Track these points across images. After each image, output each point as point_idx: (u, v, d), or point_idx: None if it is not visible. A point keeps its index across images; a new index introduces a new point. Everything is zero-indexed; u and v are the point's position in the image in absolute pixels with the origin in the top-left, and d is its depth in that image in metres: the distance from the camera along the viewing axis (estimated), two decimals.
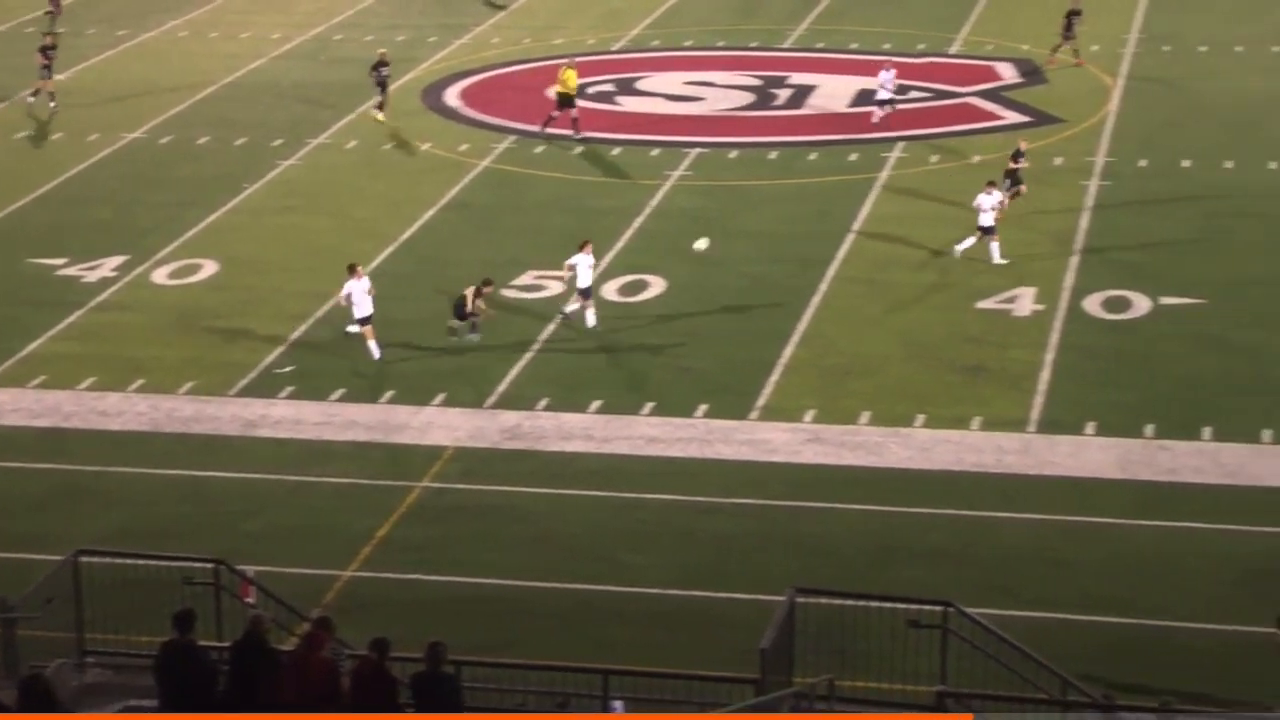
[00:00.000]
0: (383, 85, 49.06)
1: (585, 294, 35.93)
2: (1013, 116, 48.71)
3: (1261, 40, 54.14)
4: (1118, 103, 49.41)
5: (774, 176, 45.27)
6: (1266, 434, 31.32)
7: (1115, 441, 31.39)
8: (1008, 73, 52.58)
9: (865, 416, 32.45)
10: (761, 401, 33.26)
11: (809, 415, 32.65)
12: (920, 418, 32.41)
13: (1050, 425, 32.03)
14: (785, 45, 56.69)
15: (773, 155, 46.85)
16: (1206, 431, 31.51)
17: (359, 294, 34.84)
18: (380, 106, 49.15)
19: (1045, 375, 33.90)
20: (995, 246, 38.57)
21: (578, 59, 50.98)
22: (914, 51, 54.81)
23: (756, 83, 52.90)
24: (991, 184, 39.00)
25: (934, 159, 45.74)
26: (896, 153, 46.22)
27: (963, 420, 32.29)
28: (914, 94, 50.61)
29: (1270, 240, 39.80)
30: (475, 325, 35.19)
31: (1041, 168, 44.17)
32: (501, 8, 61.72)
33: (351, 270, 35.18)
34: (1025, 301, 37.08)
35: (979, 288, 37.69)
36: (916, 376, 34.14)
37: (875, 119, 47.73)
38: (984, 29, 57.06)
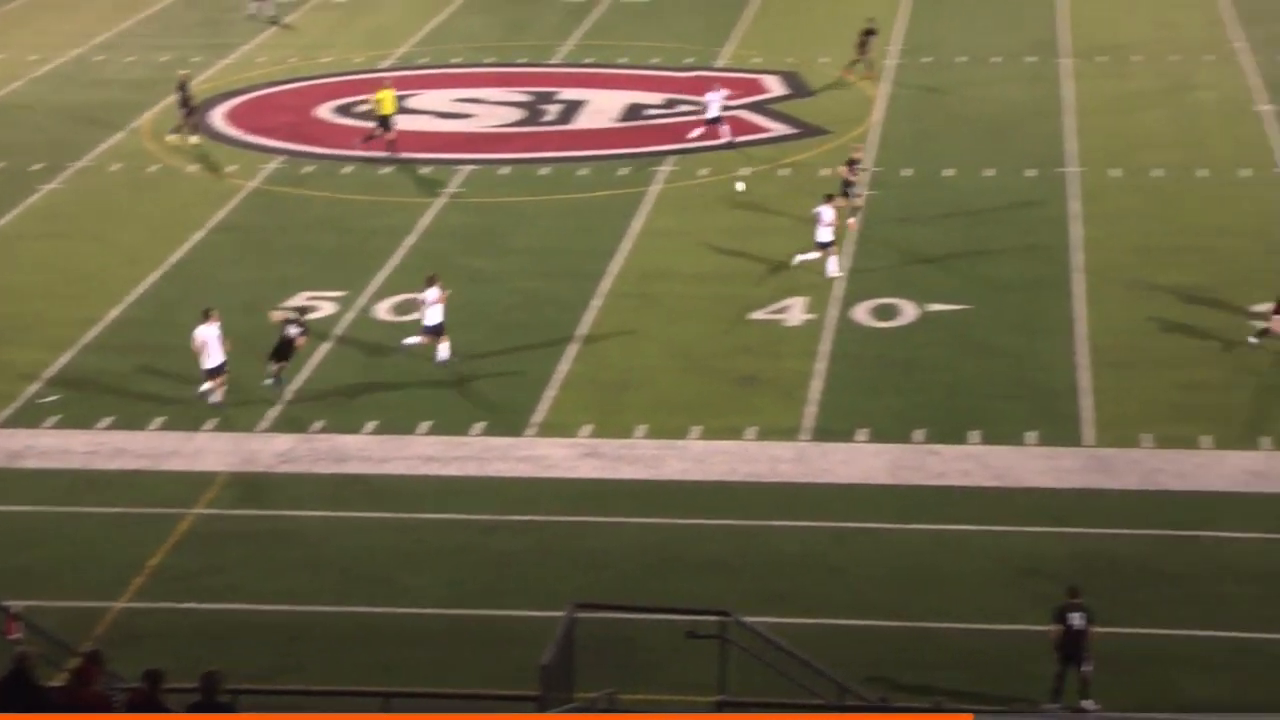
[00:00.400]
0: (187, 106, 48.22)
1: (436, 331, 35.05)
2: (780, 129, 49.35)
3: (1017, 51, 55.48)
4: (882, 114, 50.29)
5: (546, 192, 45.35)
6: (1031, 436, 32.09)
7: (886, 447, 31.95)
8: (774, 86, 53.25)
9: (642, 430, 32.64)
10: (538, 418, 33.29)
11: (586, 430, 32.76)
12: (696, 429, 32.68)
13: (823, 433, 32.50)
14: (554, 61, 56.85)
15: (544, 171, 46.94)
16: (974, 435, 32.20)
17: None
18: (180, 129, 48.36)
19: (817, 384, 34.38)
20: (833, 261, 38.96)
21: (388, 77, 50.96)
22: (681, 65, 55.30)
23: (526, 99, 52.96)
24: (830, 196, 39.44)
25: (703, 172, 46.16)
26: (667, 166, 46.57)
27: (737, 430, 32.62)
28: (682, 108, 51.06)
29: (1029, 246, 40.77)
30: (282, 374, 33.99)
31: (809, 179, 44.83)
32: (274, 22, 61.05)
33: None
34: (796, 311, 37.56)
35: (751, 299, 38.10)
36: (691, 388, 34.43)
37: (693, 134, 47.96)
38: (750, 43, 57.73)
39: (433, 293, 34.95)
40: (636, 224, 42.78)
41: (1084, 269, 39.31)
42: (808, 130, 48.99)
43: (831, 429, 32.60)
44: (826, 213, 38.63)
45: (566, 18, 61.48)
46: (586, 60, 56.73)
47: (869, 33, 52.59)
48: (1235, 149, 46.25)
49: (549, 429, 32.90)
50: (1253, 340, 35.10)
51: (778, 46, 56.98)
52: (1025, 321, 36.98)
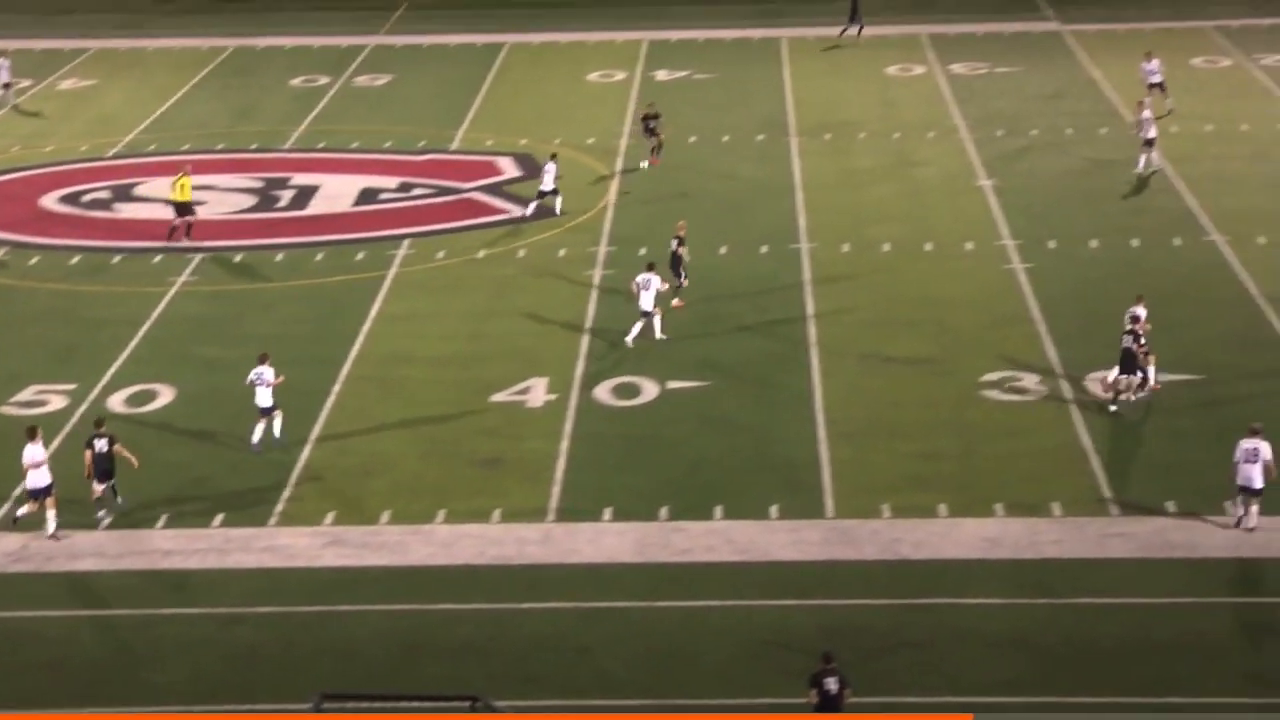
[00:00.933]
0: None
1: (266, 412, 34.62)
2: (516, 210, 49.48)
3: (747, 130, 56.45)
4: (615, 194, 50.75)
5: (281, 278, 44.87)
6: (774, 510, 32.47)
7: (632, 526, 32.08)
8: (508, 167, 53.45)
9: (386, 516, 32.35)
10: (280, 507, 32.81)
11: (329, 518, 32.37)
12: (441, 513, 32.49)
13: (569, 513, 32.53)
14: (286, 146, 56.39)
15: (279, 257, 46.44)
16: (718, 511, 32.49)
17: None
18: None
19: (561, 464, 34.42)
20: (657, 322, 39.60)
21: (187, 163, 50.30)
22: (415, 149, 55.25)
23: (259, 184, 52.44)
24: (651, 265, 40.23)
25: (440, 255, 46.08)
26: (404, 250, 46.39)
27: (483, 513, 32.50)
28: (417, 191, 50.99)
29: (762, 320, 41.36)
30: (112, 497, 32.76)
31: (546, 260, 45.09)
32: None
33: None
34: (538, 392, 37.62)
35: (492, 380, 38.07)
36: (435, 473, 34.24)
37: (529, 209, 48.50)
38: (482, 125, 57.90)
39: (268, 372, 34.65)
40: (374, 308, 42.52)
41: (818, 343, 40.02)
42: (543, 212, 49.16)
43: (577, 509, 32.65)
44: (653, 280, 39.62)
45: (296, 103, 61.08)
46: (319, 145, 56.36)
47: (652, 117, 53.11)
48: (959, 223, 47.54)
49: (291, 518, 32.46)
50: (1112, 408, 36.06)
51: (510, 129, 57.24)
52: (764, 396, 37.48)
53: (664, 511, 32.48)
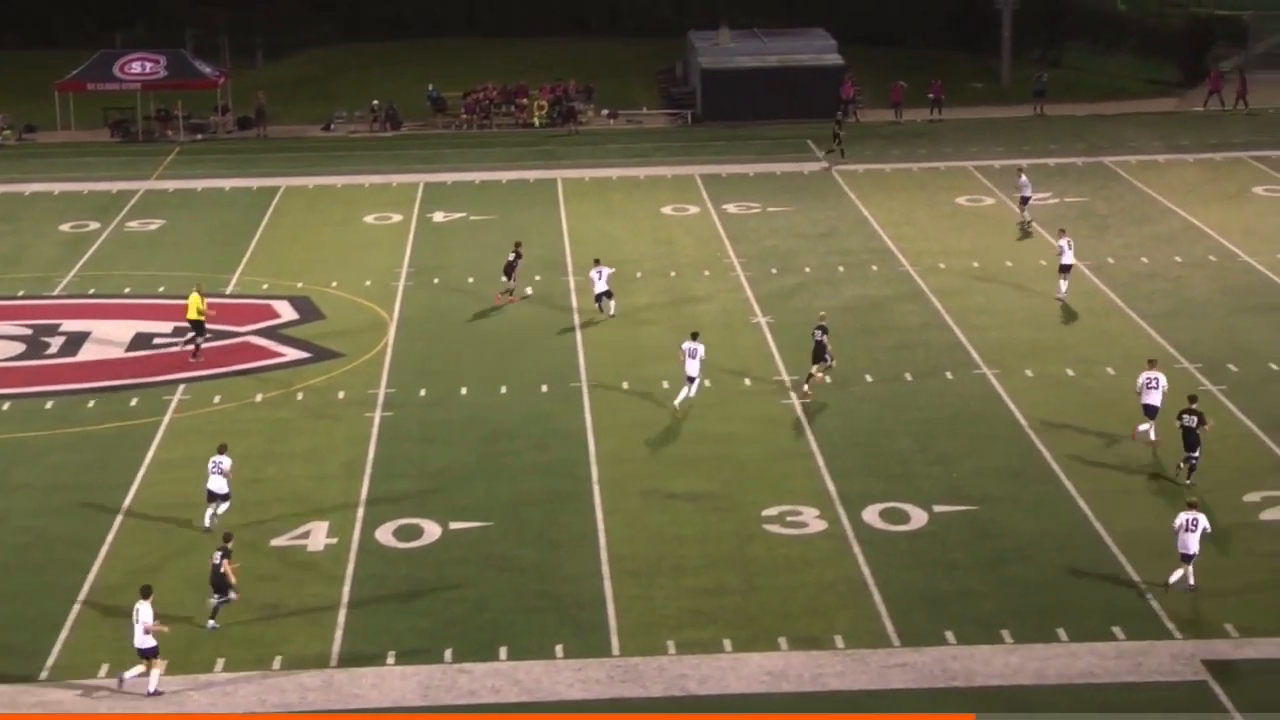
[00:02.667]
0: None
1: (214, 498, 36.41)
2: (293, 353, 49.05)
3: (525, 270, 56.37)
4: (394, 335, 50.59)
5: (51, 427, 43.89)
6: (559, 649, 32.32)
7: (416, 669, 31.70)
8: (285, 310, 53.03)
9: (162, 666, 31.54)
10: (52, 660, 31.88)
11: (103, 670, 31.52)
12: (220, 661, 31.82)
13: (352, 658, 32.05)
14: (55, 292, 55.39)
15: (49, 405, 45.47)
16: (503, 651, 32.25)
17: None
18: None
19: (343, 609, 33.94)
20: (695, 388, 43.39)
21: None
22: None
23: (27, 332, 51.37)
24: (696, 334, 44.14)
25: (217, 399, 45.47)
26: (179, 395, 45.71)
27: (264, 661, 31.89)
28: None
29: (542, 460, 41.37)
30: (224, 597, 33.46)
31: (324, 402, 44.71)
32: None
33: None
34: (319, 536, 37.16)
35: (271, 526, 37.53)
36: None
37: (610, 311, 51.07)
38: (258, 269, 57.46)
39: (225, 461, 37.21)
40: (149, 455, 41.76)
41: (600, 480, 40.10)
42: (321, 354, 48.85)
43: (360, 653, 32.19)
44: (699, 349, 44.01)
45: (65, 249, 60.14)
46: (89, 291, 55.44)
47: (517, 256, 53.66)
48: (737, 359, 48.08)
49: (64, 671, 31.57)
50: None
51: (286, 272, 56.88)
52: (547, 535, 37.38)
53: (449, 653, 32.15)
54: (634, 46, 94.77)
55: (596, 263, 52.17)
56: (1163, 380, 41.42)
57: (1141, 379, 41.70)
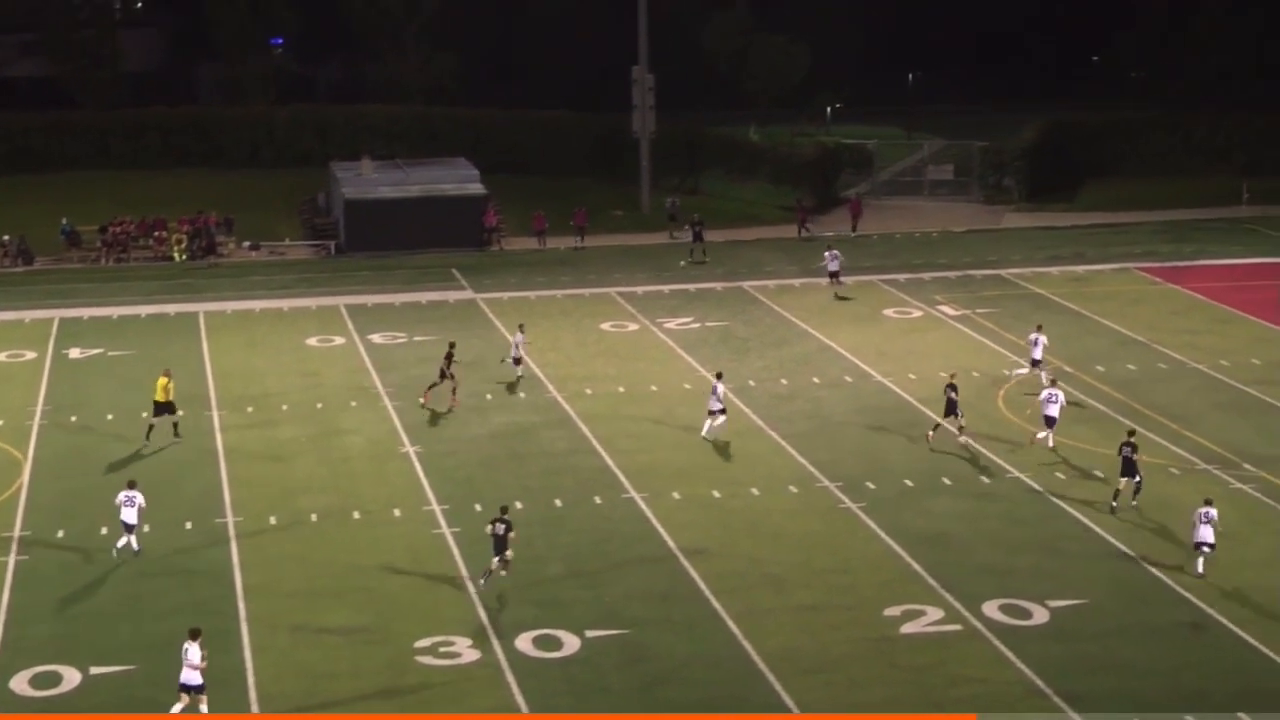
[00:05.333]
0: None
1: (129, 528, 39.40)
2: None
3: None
4: (29, 475, 48.96)
5: None
6: None
7: None
8: None
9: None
10: None
11: None
12: None
13: None
14: None
15: None
16: None
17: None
18: None
19: None
20: (722, 420, 45.31)
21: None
22: None
23: None
24: (720, 375, 48.65)
25: None
26: None
27: None
28: None
29: (189, 599, 40.33)
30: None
31: None
32: None
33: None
34: None
35: None
36: None
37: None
38: None
39: (139, 497, 41.89)
40: None
41: (249, 617, 39.28)
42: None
43: None
44: (719, 386, 50.62)
45: None
46: None
47: (449, 357, 54.61)
48: (386, 490, 47.75)
49: None
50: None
51: None
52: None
53: None
54: (275, 177, 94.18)
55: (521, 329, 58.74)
56: (1061, 396, 50.38)
57: (1043, 395, 50.18)
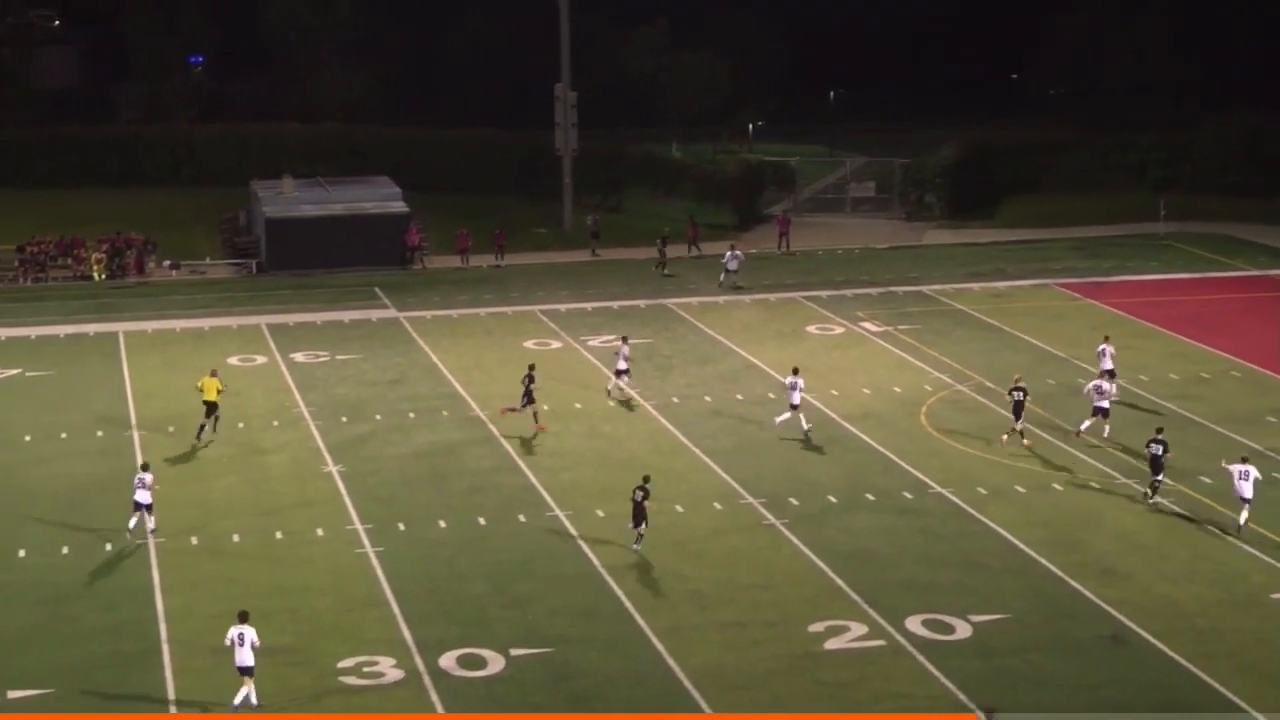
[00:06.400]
0: None
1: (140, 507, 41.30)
2: None
3: (86, 426, 55.11)
4: None
5: None
6: None
7: None
8: None
9: None
10: None
11: None
12: None
13: None
14: None
15: None
16: None
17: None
18: None
19: None
20: (803, 417, 51.22)
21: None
22: None
23: None
24: (796, 369, 51.01)
25: None
26: None
27: None
28: None
29: (112, 620, 39.98)
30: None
31: None
32: None
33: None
34: None
35: None
36: None
37: None
38: None
39: (148, 477, 43.86)
40: None
41: (170, 640, 38.98)
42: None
43: None
44: (799, 381, 53.74)
45: None
46: None
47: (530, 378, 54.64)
48: (309, 509, 47.51)
49: None
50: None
51: None
52: (111, 704, 36.01)
53: None
54: (195, 196, 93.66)
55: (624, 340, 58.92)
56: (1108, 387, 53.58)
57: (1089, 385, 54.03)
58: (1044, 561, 43.62)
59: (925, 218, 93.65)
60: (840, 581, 42.39)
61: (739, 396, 58.48)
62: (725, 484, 49.38)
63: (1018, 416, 52.27)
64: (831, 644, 38.95)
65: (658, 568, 43.27)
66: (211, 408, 53.65)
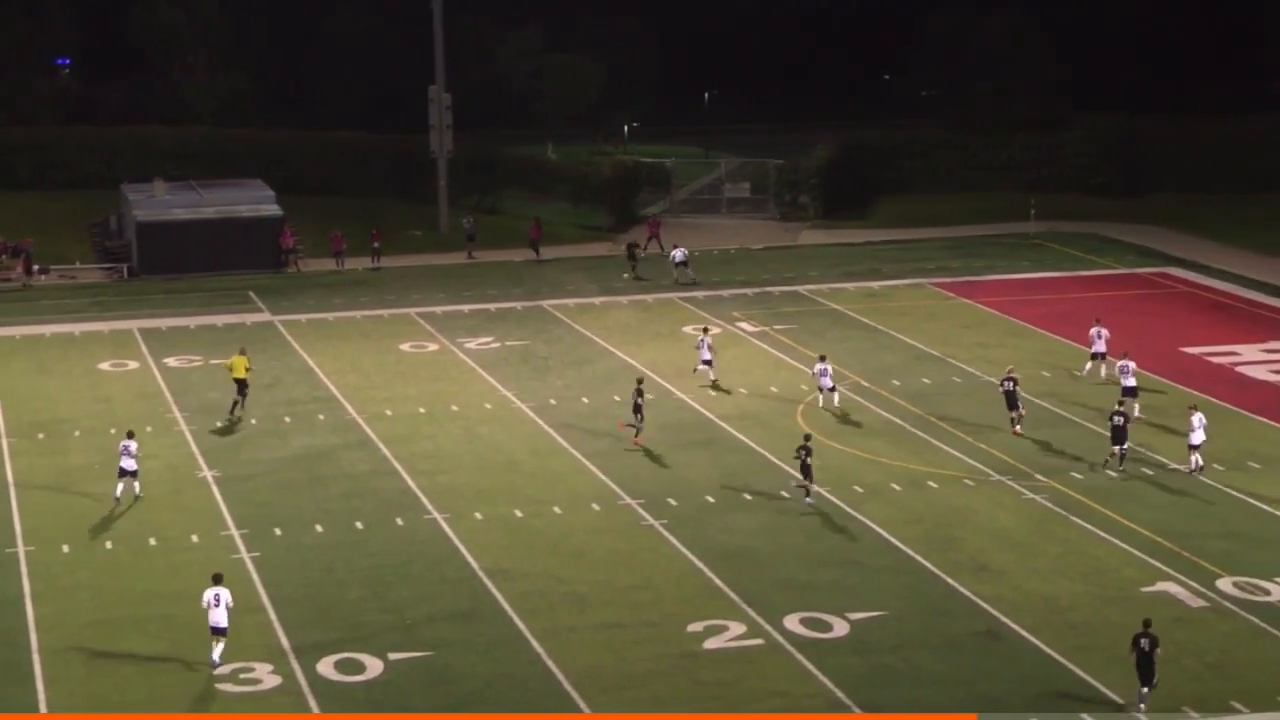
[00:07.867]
0: None
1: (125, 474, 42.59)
2: None
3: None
4: None
5: None
6: None
7: None
8: None
9: None
10: None
11: None
12: None
13: None
14: None
15: None
16: None
17: None
18: None
19: None
20: (836, 396, 54.79)
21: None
22: None
23: None
24: (824, 357, 54.09)
25: None
26: None
27: None
28: None
29: None
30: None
31: None
32: None
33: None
34: None
35: None
36: None
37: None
38: None
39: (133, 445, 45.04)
40: None
41: (41, 649, 38.44)
42: None
43: None
44: (828, 369, 56.42)
45: None
46: None
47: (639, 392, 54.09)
48: (184, 516, 47.01)
49: None
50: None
51: None
52: None
53: None
54: (63, 199, 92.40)
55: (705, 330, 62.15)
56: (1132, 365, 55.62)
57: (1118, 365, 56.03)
58: (920, 559, 44.00)
59: (800, 218, 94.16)
60: (719, 581, 42.53)
61: (616, 398, 58.48)
62: (603, 485, 49.41)
63: (1011, 407, 53.95)
64: (710, 643, 39.06)
65: (536, 571, 43.20)
66: (242, 385, 55.96)
